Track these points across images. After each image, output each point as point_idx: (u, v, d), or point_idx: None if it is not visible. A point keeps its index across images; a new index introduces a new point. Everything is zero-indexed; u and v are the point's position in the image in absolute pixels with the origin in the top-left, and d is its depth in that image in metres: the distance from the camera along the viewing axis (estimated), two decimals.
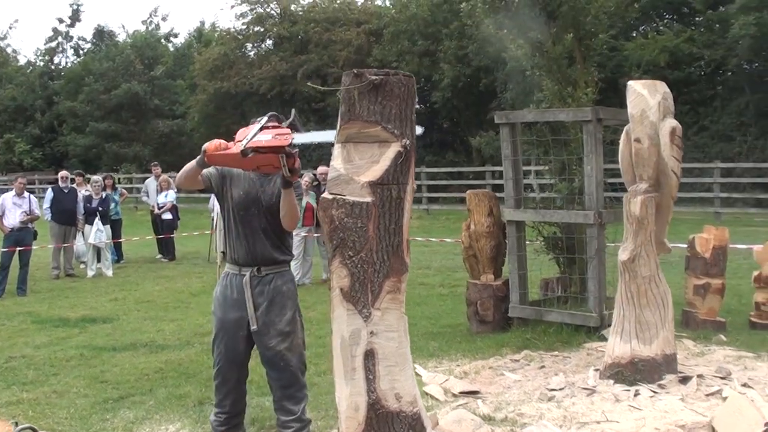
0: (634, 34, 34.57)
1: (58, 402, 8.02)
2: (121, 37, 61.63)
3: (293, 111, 5.83)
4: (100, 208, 18.85)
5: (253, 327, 6.06)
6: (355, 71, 5.01)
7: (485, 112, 36.04)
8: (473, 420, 6.39)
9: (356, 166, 5.06)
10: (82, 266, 19.36)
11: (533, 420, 6.63)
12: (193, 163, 5.96)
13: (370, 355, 5.08)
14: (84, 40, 63.52)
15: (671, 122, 7.59)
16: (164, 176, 22.63)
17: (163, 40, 61.06)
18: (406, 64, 38.45)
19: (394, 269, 5.10)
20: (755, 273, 10.24)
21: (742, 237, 15.62)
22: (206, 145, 5.88)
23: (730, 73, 32.77)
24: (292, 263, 6.71)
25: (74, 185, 19.17)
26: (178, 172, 6.28)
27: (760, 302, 10.13)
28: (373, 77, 4.97)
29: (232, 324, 6.11)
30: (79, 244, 19.02)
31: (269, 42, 48.54)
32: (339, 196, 5.05)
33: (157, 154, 47.27)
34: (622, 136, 7.88)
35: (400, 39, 39.18)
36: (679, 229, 8.97)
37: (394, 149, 5.03)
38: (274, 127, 5.67)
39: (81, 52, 62.48)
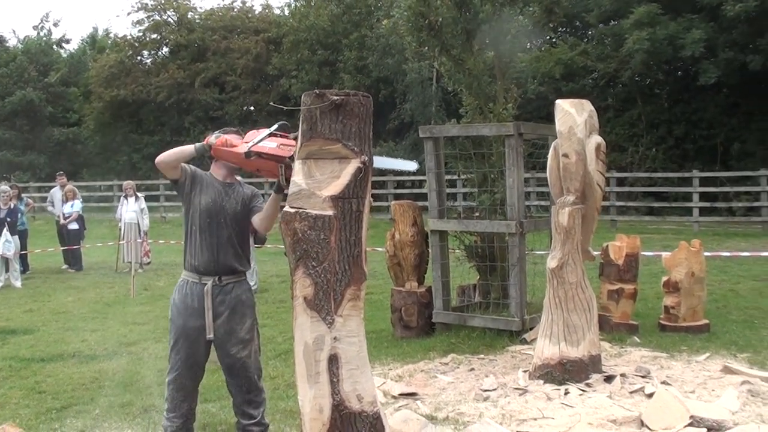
0: (530, 47, 35.26)
1: (0, 413, 8.09)
2: (12, 43, 60.51)
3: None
4: (8, 219, 18.52)
5: (209, 336, 6.27)
6: (317, 91, 5.34)
7: (384, 122, 36.41)
8: (419, 419, 6.73)
9: (317, 181, 5.37)
10: None
11: (473, 419, 7.01)
12: (191, 148, 6.21)
13: (333, 360, 5.39)
14: None
15: (597, 139, 8.06)
16: (70, 186, 22.46)
17: (55, 46, 59.98)
18: (305, 73, 38.64)
19: (355, 278, 5.43)
20: (665, 278, 10.73)
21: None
22: (213, 139, 6.16)
23: (622, 86, 33.55)
24: None
25: None
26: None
27: (669, 306, 10.63)
28: (335, 97, 5.29)
29: (192, 331, 6.30)
30: None
31: (166, 50, 48.31)
32: (301, 210, 5.34)
33: (52, 163, 46.56)
34: (551, 152, 8.28)
35: (300, 48, 39.24)
36: None
37: (353, 165, 5.36)
38: (282, 137, 5.97)
39: None
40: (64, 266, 21.27)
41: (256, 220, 6.44)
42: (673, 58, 29.66)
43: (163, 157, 6.26)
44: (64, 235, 21.54)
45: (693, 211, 26.48)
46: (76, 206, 21.47)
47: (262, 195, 6.44)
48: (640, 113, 32.25)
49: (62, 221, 21.56)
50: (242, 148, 6.06)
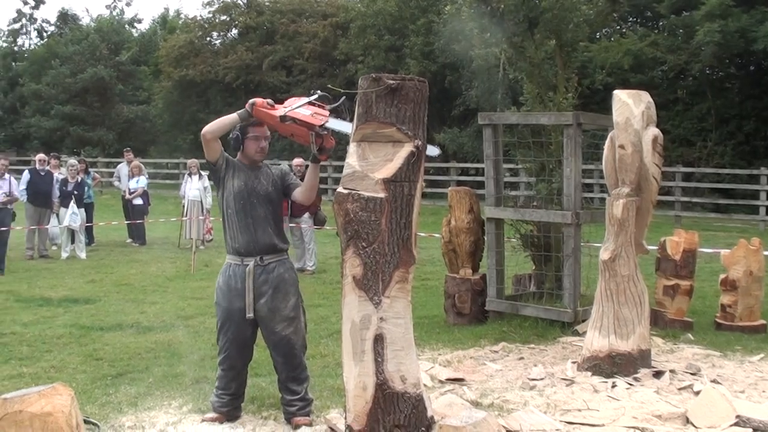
0: (598, 36, 34.93)
1: (58, 377, 8.20)
2: (85, 21, 61.31)
3: (343, 97, 6.23)
4: (76, 192, 18.98)
5: (249, 315, 6.44)
6: (373, 75, 5.43)
7: (450, 108, 36.34)
8: (463, 404, 6.79)
9: (371, 164, 5.45)
10: (54, 248, 19.51)
11: (518, 406, 7.04)
12: (234, 116, 6.42)
13: (379, 340, 5.48)
14: (48, 22, 62.96)
15: (654, 131, 8.02)
16: (136, 162, 22.74)
17: (127, 26, 60.75)
18: (372, 58, 38.55)
19: (404, 260, 5.51)
20: (722, 276, 10.64)
21: (701, 241, 16.06)
22: (254, 100, 6.35)
23: (692, 79, 33.11)
24: None
25: (48, 168, 19.25)
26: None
27: (725, 304, 10.54)
28: (391, 82, 5.36)
29: (238, 312, 6.50)
30: (53, 226, 19.15)
31: (235, 31, 48.56)
32: (354, 191, 5.44)
33: (121, 139, 47.19)
34: (607, 142, 8.25)
35: (367, 33, 39.15)
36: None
37: (407, 149, 5.44)
38: (318, 106, 6.11)
39: (45, 34, 61.98)
40: (128, 240, 21.64)
41: (298, 193, 6.63)
42: (744, 52, 29.27)
43: (209, 127, 6.46)
44: (128, 210, 21.85)
45: (760, 209, 26.10)
46: (141, 182, 21.77)
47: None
48: (709, 107, 31.82)
49: (127, 196, 21.86)
50: (279, 112, 6.26)
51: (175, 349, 9.55)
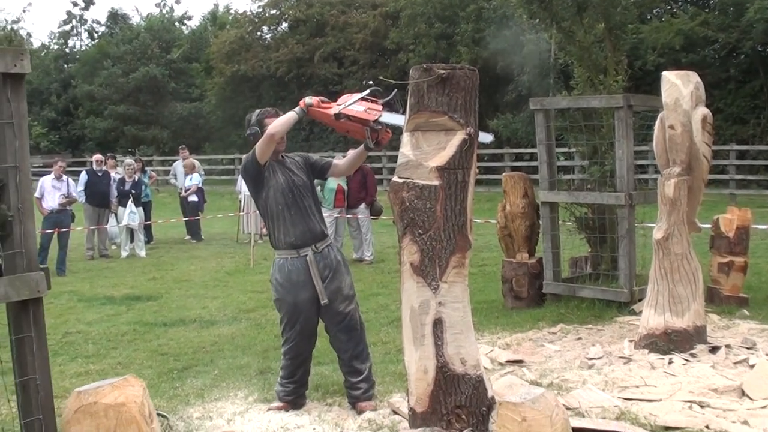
0: (649, 17, 34.73)
1: (124, 372, 8.28)
2: (135, 20, 61.92)
3: (395, 91, 6.38)
4: (133, 191, 19.32)
5: (324, 301, 6.63)
6: (424, 65, 5.56)
7: (502, 94, 36.31)
8: (523, 384, 6.93)
9: (424, 152, 5.60)
10: (113, 247, 19.82)
11: (577, 385, 7.17)
12: (293, 113, 6.49)
13: (438, 324, 5.62)
14: (98, 23, 63.79)
15: (703, 110, 8.09)
16: (189, 160, 22.98)
17: (177, 23, 61.28)
18: (423, 47, 38.61)
19: (460, 246, 5.64)
20: None
21: (757, 218, 15.96)
22: (309, 99, 6.49)
23: (744, 56, 32.85)
24: None
25: (105, 168, 19.54)
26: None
27: None
28: (441, 71, 5.50)
29: (305, 304, 6.67)
30: (112, 225, 19.47)
31: (285, 25, 48.75)
32: (409, 180, 5.59)
33: (175, 137, 47.69)
34: (657, 123, 8.33)
35: (417, 22, 39.17)
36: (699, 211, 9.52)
37: (459, 137, 5.57)
38: (372, 101, 6.26)
39: (95, 35, 62.66)
40: (187, 237, 21.89)
41: (337, 166, 6.90)
42: None
43: (277, 128, 6.46)
44: (185, 207, 22.13)
45: None
46: (194, 179, 21.95)
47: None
48: (762, 85, 31.58)
49: (183, 194, 22.16)
50: (334, 110, 6.40)
51: (238, 342, 9.73)
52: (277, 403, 6.96)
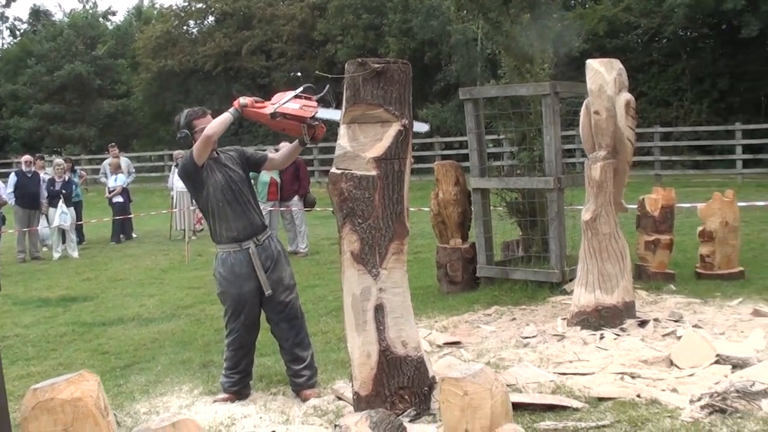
0: (573, 4, 35.24)
1: (67, 373, 8.50)
2: (58, 17, 61.10)
3: (327, 86, 6.55)
4: (64, 191, 19.08)
5: (268, 292, 6.80)
6: (359, 60, 5.81)
7: (430, 84, 36.57)
8: (461, 365, 7.17)
9: (361, 144, 5.84)
10: (44, 249, 19.59)
11: (513, 363, 7.40)
12: (228, 114, 6.62)
13: (379, 309, 5.88)
14: (20, 20, 62.88)
15: (626, 96, 8.38)
16: (114, 160, 22.77)
17: (101, 19, 60.58)
18: (351, 38, 38.74)
19: (398, 233, 5.90)
20: (700, 228, 11.01)
21: (682, 197, 16.38)
22: (243, 100, 6.62)
23: (666, 41, 33.53)
24: None
25: (34, 168, 19.35)
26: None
27: (704, 255, 10.94)
28: (376, 65, 5.74)
29: (249, 295, 6.83)
30: (43, 227, 19.30)
31: (212, 18, 48.61)
32: (347, 171, 5.83)
33: (102, 135, 47.23)
34: (582, 109, 8.62)
35: (344, 13, 39.25)
36: (625, 192, 9.83)
37: (395, 128, 5.82)
38: (305, 99, 6.43)
39: (17, 33, 61.78)
40: (112, 242, 21.59)
41: (273, 160, 7.07)
42: (715, 12, 29.56)
43: (214, 128, 6.56)
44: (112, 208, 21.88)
45: (737, 163, 26.67)
46: (119, 180, 21.75)
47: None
48: (684, 68, 32.28)
49: (107, 195, 21.95)
50: (269, 109, 6.54)
51: (178, 338, 9.80)
52: (222, 395, 7.08)
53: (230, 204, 6.76)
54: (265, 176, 15.54)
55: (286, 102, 6.55)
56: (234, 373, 7.07)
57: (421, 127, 6.99)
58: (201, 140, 6.57)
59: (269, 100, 6.73)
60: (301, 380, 6.98)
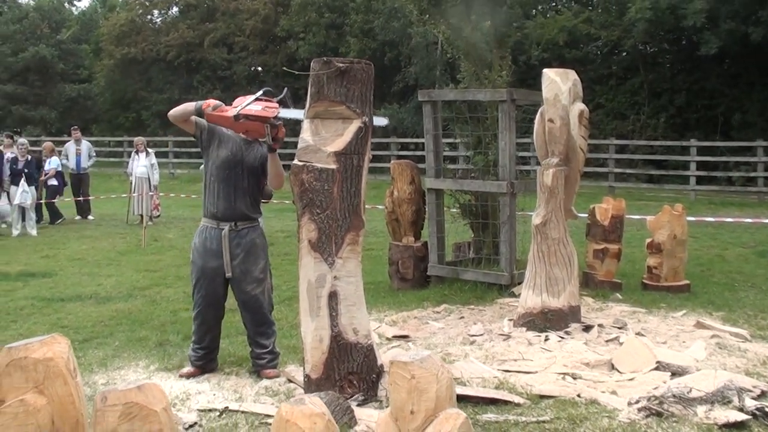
0: (534, 13, 35.59)
1: None
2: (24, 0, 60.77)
3: (285, 89, 6.83)
4: (26, 170, 19.26)
5: (228, 274, 7.09)
6: (324, 59, 6.11)
7: (390, 85, 36.79)
8: (410, 351, 7.41)
9: (323, 138, 6.13)
10: (3, 226, 19.74)
11: (460, 358, 7.68)
12: (191, 106, 6.98)
13: (333, 296, 6.18)
14: None
15: (580, 106, 8.70)
16: (48, 143, 22.80)
17: (66, 4, 60.33)
18: (313, 35, 38.97)
19: (354, 225, 6.20)
20: (648, 240, 11.31)
21: (634, 210, 16.73)
22: (206, 103, 6.93)
23: (625, 54, 33.96)
24: None
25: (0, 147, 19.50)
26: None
27: (651, 266, 11.22)
28: (340, 65, 6.03)
29: (211, 271, 7.11)
30: (3, 204, 19.41)
31: (176, 9, 48.70)
32: (308, 163, 6.12)
33: (63, 118, 47.26)
34: (537, 117, 8.92)
35: (307, 11, 39.53)
36: (577, 201, 9.98)
37: (356, 125, 6.13)
38: (266, 101, 6.71)
39: None
40: (58, 221, 21.53)
41: (268, 180, 7.20)
42: (675, 28, 30.06)
43: (171, 112, 7.07)
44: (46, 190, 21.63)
45: (690, 179, 27.01)
46: (53, 163, 21.76)
47: None
48: (642, 81, 32.70)
49: (42, 177, 21.55)
50: (231, 112, 6.82)
51: (135, 317, 10.00)
52: (188, 368, 7.37)
53: (220, 182, 7.05)
54: None
55: (248, 104, 6.80)
56: (199, 348, 7.35)
57: (380, 121, 7.24)
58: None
59: (231, 92, 6.97)
60: (262, 362, 7.30)
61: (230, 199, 7.06)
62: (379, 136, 29.92)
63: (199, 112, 6.95)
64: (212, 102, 6.99)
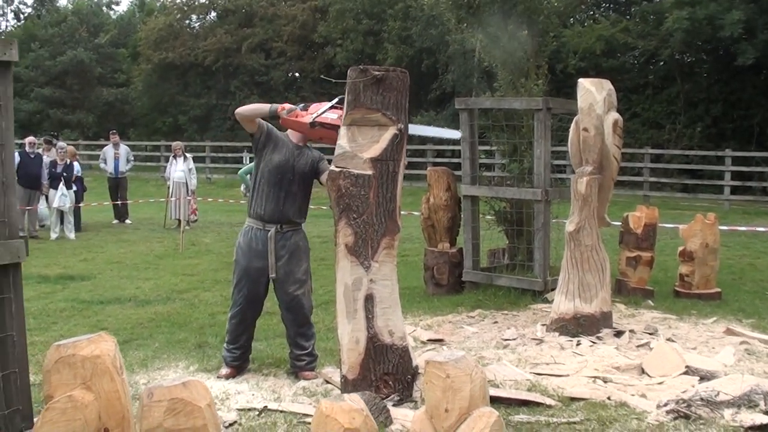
0: (572, 22, 35.56)
1: None
2: (62, 3, 61.28)
3: None
4: (65, 174, 19.49)
5: (272, 275, 7.26)
6: (361, 67, 6.29)
7: (426, 92, 36.89)
8: (445, 351, 7.54)
9: (359, 145, 6.29)
10: (41, 228, 20.00)
11: (493, 361, 7.82)
12: (265, 108, 7.15)
13: (369, 299, 6.33)
14: (25, 4, 62.86)
15: (614, 115, 8.81)
16: (71, 148, 22.29)
17: (105, 8, 60.77)
18: (350, 42, 39.12)
19: (390, 230, 6.35)
20: (680, 248, 11.41)
21: (669, 219, 16.77)
22: (281, 106, 7.09)
23: (662, 63, 33.89)
24: None
25: (39, 150, 19.78)
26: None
27: (683, 274, 11.32)
28: (377, 73, 6.20)
29: (255, 271, 7.29)
30: (42, 207, 19.71)
31: (214, 14, 48.92)
32: (345, 169, 6.29)
33: (100, 122, 47.57)
34: (572, 126, 9.04)
35: (345, 17, 39.70)
36: (611, 209, 10.07)
37: (391, 131, 6.29)
38: (340, 109, 6.84)
39: (22, 16, 61.95)
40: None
41: (324, 178, 7.32)
42: (712, 38, 29.88)
43: (240, 109, 7.23)
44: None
45: (725, 189, 27.04)
46: (74, 168, 21.38)
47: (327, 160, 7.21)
48: (678, 91, 32.59)
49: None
50: (307, 119, 6.99)
51: (174, 320, 10.17)
52: (225, 370, 7.52)
53: (271, 186, 7.21)
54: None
55: (324, 112, 6.97)
56: (235, 348, 7.51)
57: (453, 134, 7.38)
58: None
59: (268, 97, 7.13)
60: (301, 363, 7.46)
61: (279, 203, 7.22)
62: (415, 143, 30.02)
63: (273, 115, 7.11)
64: (287, 106, 7.14)
